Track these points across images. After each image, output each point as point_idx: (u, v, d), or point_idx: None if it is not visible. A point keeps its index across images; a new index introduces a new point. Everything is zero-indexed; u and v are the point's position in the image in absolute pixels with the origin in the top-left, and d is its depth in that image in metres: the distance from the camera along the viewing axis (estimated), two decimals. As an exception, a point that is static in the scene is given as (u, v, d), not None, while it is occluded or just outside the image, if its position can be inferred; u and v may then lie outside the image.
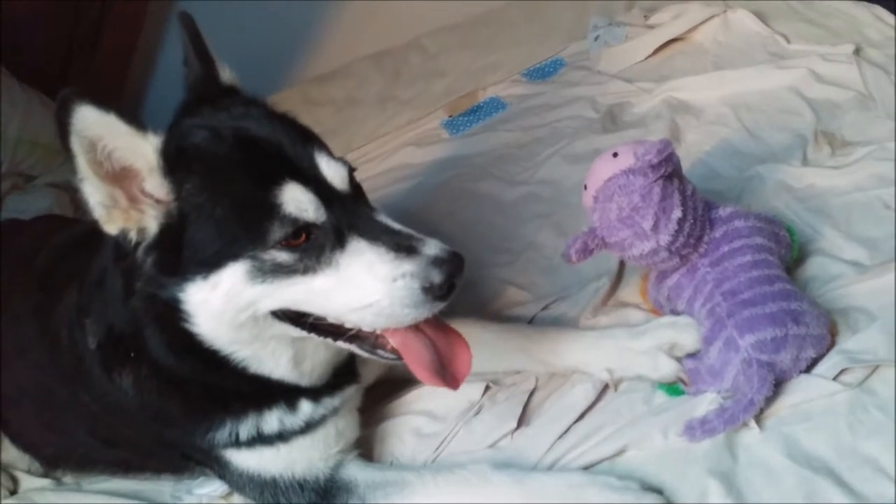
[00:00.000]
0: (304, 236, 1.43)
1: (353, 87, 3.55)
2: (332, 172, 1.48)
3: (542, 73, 3.19)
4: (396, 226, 1.49)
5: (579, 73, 3.07)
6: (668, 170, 1.71)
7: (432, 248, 1.45)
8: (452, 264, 1.44)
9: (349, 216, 1.47)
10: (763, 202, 2.08)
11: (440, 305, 1.47)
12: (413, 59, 3.58)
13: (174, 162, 1.43)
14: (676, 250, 1.74)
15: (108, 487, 1.98)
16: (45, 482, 2.06)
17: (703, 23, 2.93)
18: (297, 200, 1.42)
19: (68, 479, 2.07)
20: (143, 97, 3.79)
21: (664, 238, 1.72)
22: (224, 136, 1.47)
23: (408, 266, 1.43)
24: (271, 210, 1.41)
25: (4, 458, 2.10)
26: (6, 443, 2.08)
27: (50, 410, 1.91)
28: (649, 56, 2.96)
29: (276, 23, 3.52)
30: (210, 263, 1.43)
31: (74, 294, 1.73)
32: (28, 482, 2.07)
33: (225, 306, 1.46)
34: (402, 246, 1.44)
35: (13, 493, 2.04)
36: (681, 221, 1.72)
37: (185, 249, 1.44)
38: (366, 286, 1.44)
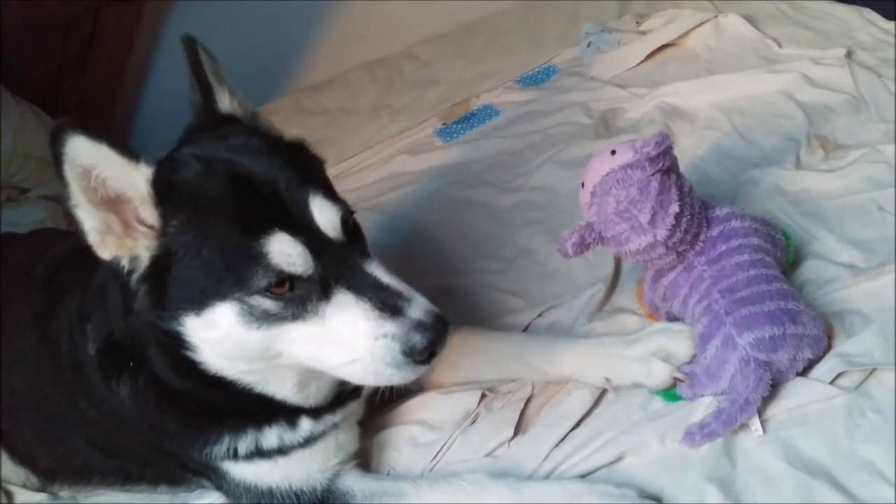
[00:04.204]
0: (288, 286, 1.40)
1: (346, 96, 3.55)
2: (325, 220, 1.44)
3: (535, 79, 3.20)
4: (386, 279, 1.46)
5: (572, 80, 3.08)
6: (665, 163, 1.71)
7: (417, 310, 1.43)
8: (435, 331, 1.42)
9: (339, 266, 1.43)
10: (757, 206, 2.08)
11: (421, 370, 1.47)
12: (406, 68, 3.59)
13: (164, 195, 1.42)
14: (673, 246, 1.74)
15: (105, 501, 1.97)
16: (41, 497, 2.04)
17: (694, 28, 2.94)
18: (284, 253, 1.38)
19: (64, 493, 2.05)
20: (135, 112, 3.78)
21: (661, 232, 1.71)
22: (216, 171, 1.44)
23: (390, 327, 1.41)
24: (257, 258, 1.38)
25: (-1, 473, 2.09)
26: (2, 456, 2.07)
27: (48, 419, 1.90)
28: (642, 62, 2.97)
29: (269, 33, 3.52)
30: (198, 301, 1.42)
31: (77, 300, 1.73)
32: (23, 497, 2.05)
33: (232, 349, 1.47)
34: (388, 304, 1.42)
35: (8, 507, 2.03)
36: (678, 216, 1.71)
37: (172, 285, 1.43)
38: (351, 341, 1.43)
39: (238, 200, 1.41)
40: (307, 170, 1.50)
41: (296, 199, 1.43)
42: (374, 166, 3.05)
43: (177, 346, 1.49)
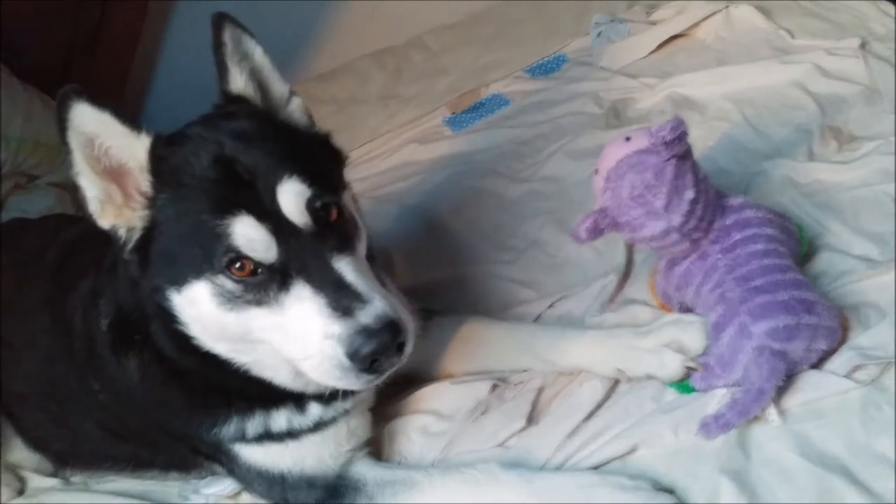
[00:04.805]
0: (248, 269, 1.41)
1: (354, 85, 3.55)
2: (289, 204, 1.43)
3: (545, 69, 3.19)
4: (350, 277, 1.42)
5: (582, 70, 3.07)
6: (681, 148, 1.70)
7: (368, 314, 1.39)
8: (379, 340, 1.38)
9: (303, 257, 1.42)
10: (769, 198, 2.07)
11: (369, 380, 1.43)
12: (415, 57, 3.58)
13: (157, 167, 1.46)
14: (688, 233, 1.73)
15: (116, 488, 1.98)
16: (53, 482, 2.06)
17: (705, 19, 2.92)
18: (245, 236, 1.40)
19: (76, 478, 2.06)
20: (145, 99, 3.78)
21: (676, 218, 1.70)
22: (203, 151, 1.46)
23: (337, 328, 1.38)
24: (221, 238, 1.40)
25: (12, 458, 2.10)
26: (14, 442, 2.09)
27: (60, 403, 1.92)
28: (652, 52, 2.95)
29: (278, 21, 3.50)
30: (176, 278, 1.45)
31: (90, 281, 1.75)
32: (36, 482, 2.07)
33: (213, 329, 1.49)
34: (342, 304, 1.39)
35: (21, 493, 2.04)
36: (693, 203, 1.70)
37: (154, 258, 1.47)
38: (305, 336, 1.41)
39: (215, 181, 1.44)
40: (294, 156, 1.49)
41: (268, 185, 1.43)
42: (384, 156, 3.05)
43: (171, 320, 1.52)
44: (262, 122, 1.56)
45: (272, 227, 1.41)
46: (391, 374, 1.51)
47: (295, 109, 1.66)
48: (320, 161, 1.57)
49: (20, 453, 2.09)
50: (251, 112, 1.58)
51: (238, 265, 1.41)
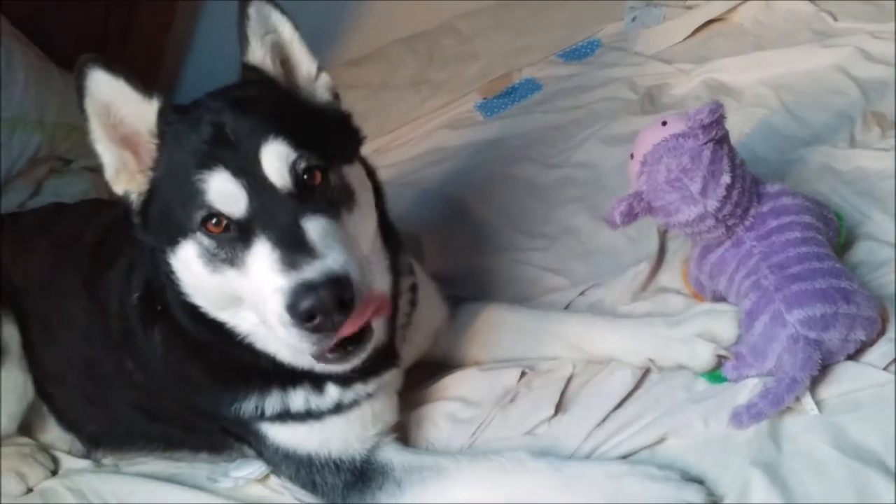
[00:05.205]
0: (223, 226, 1.42)
1: (386, 70, 3.54)
2: (271, 165, 1.42)
3: (578, 54, 3.15)
4: (313, 235, 1.38)
5: (616, 54, 3.03)
6: (718, 133, 1.68)
7: (314, 269, 1.33)
8: (317, 296, 1.31)
9: (270, 214, 1.40)
10: (807, 185, 2.03)
11: (315, 340, 1.36)
12: (446, 42, 3.56)
13: (163, 131, 1.51)
14: (723, 218, 1.70)
15: (146, 470, 2.00)
16: (86, 463, 2.09)
17: (743, 2, 2.86)
18: (218, 190, 1.42)
19: (107, 460, 2.09)
20: (177, 83, 3.81)
21: (712, 203, 1.68)
22: (201, 116, 1.49)
23: (281, 281, 1.35)
24: (199, 193, 1.42)
25: (46, 439, 2.14)
26: (48, 423, 2.13)
27: (95, 383, 1.95)
28: (688, 37, 2.91)
29: (310, 7, 3.49)
30: (170, 238, 1.49)
31: (126, 259, 1.79)
32: (69, 463, 2.10)
33: (205, 292, 1.51)
34: (294, 260, 1.35)
35: (54, 473, 2.07)
36: (729, 188, 1.68)
37: (154, 219, 1.52)
38: (262, 294, 1.38)
39: (204, 142, 1.45)
40: (286, 122, 1.49)
41: (252, 145, 1.43)
42: (414, 141, 3.04)
43: (176, 285, 1.54)
44: (266, 90, 1.58)
45: (247, 183, 1.41)
46: (372, 348, 1.49)
47: (321, 86, 1.65)
48: (320, 131, 1.56)
49: (54, 434, 2.13)
50: (259, 81, 1.60)
51: (214, 221, 1.42)
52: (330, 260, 1.35)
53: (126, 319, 1.78)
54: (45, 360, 2.02)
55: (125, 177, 1.55)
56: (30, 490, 2.01)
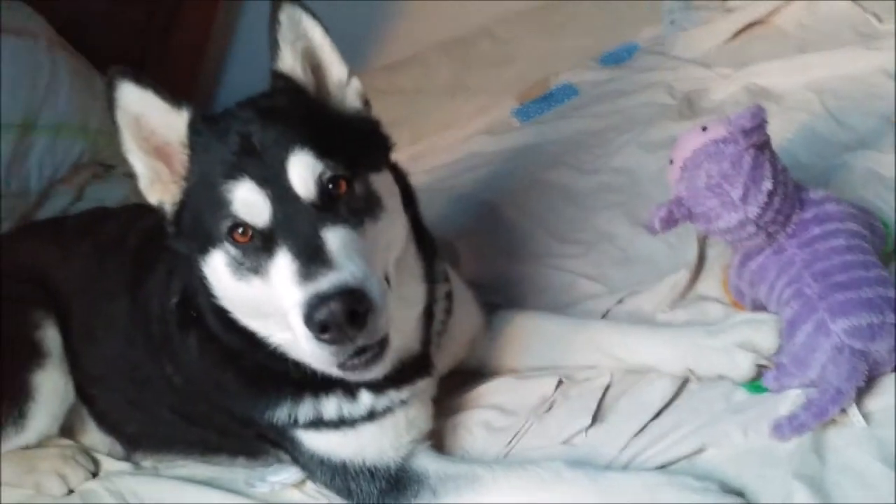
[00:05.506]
0: (248, 236, 1.43)
1: (422, 76, 3.54)
2: (297, 176, 1.43)
3: (616, 58, 3.13)
4: (332, 245, 1.38)
5: (654, 59, 3.00)
6: (760, 138, 1.66)
7: (329, 281, 1.33)
8: (329, 309, 1.31)
9: (294, 225, 1.41)
10: (851, 192, 1.98)
11: (333, 352, 1.36)
12: (483, 46, 3.56)
13: (194, 141, 1.52)
14: (764, 225, 1.68)
15: (184, 474, 2.01)
16: (125, 466, 2.12)
17: (785, 4, 2.82)
18: (242, 200, 1.42)
19: (147, 463, 2.11)
20: (218, 86, 3.85)
21: (753, 210, 1.66)
22: (230, 125, 1.50)
23: (298, 292, 1.35)
24: (226, 203, 1.43)
25: (87, 441, 2.17)
26: (89, 425, 2.16)
27: (136, 386, 1.98)
28: (727, 40, 2.87)
29: (346, 12, 3.52)
30: (199, 246, 1.50)
31: (166, 263, 1.81)
32: (108, 465, 2.13)
33: (233, 300, 1.52)
34: (311, 271, 1.35)
35: (94, 475, 2.10)
36: (771, 194, 1.66)
37: (186, 229, 1.55)
38: (283, 305, 1.39)
39: (232, 152, 1.46)
40: (313, 131, 1.49)
41: (278, 155, 1.44)
42: (451, 147, 3.04)
43: (208, 292, 1.56)
44: (294, 99, 1.58)
45: (271, 192, 1.42)
46: (392, 356, 1.49)
47: (351, 92, 1.65)
48: (348, 141, 1.55)
49: (94, 436, 2.16)
50: (288, 89, 1.60)
51: (240, 231, 1.43)
52: (346, 272, 1.35)
53: (166, 323, 1.81)
54: (87, 363, 2.05)
55: (159, 187, 1.58)
56: (71, 491, 2.04)
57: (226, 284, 1.50)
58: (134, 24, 3.34)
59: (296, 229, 1.41)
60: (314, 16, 1.60)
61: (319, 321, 1.32)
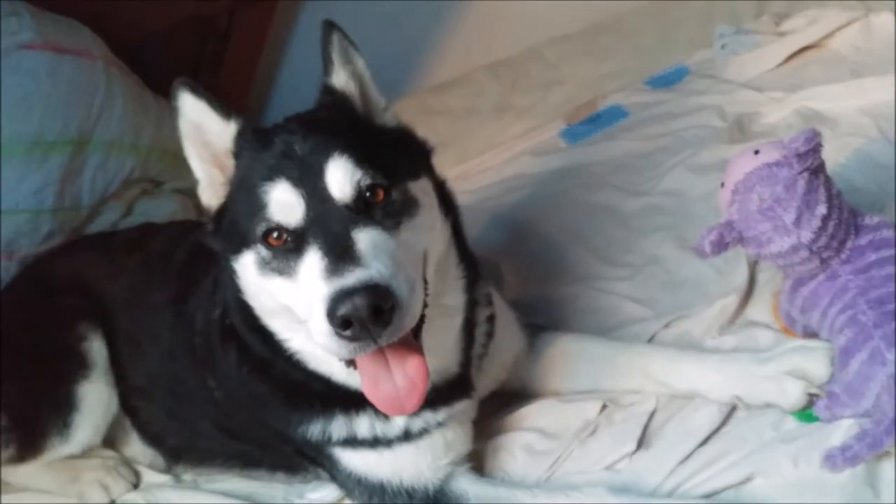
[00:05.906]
0: (283, 238, 1.45)
1: (470, 96, 3.55)
2: (335, 180, 1.44)
3: (666, 80, 3.10)
4: (362, 245, 1.38)
5: (705, 82, 2.97)
6: (814, 162, 1.63)
7: (355, 276, 1.33)
8: (352, 303, 1.30)
9: (325, 224, 1.42)
10: (908, 218, 1.94)
11: (354, 349, 1.35)
12: (531, 68, 3.56)
13: (240, 150, 1.58)
14: (818, 251, 1.64)
15: (224, 488, 2.03)
16: (166, 478, 2.14)
17: (840, 28, 2.78)
18: (278, 200, 1.45)
19: (187, 476, 2.13)
20: (267, 108, 3.92)
21: (806, 235, 1.63)
22: (274, 137, 1.54)
23: (324, 288, 1.35)
24: (263, 206, 1.46)
25: (129, 453, 2.20)
26: (131, 437, 2.19)
27: (178, 399, 2.01)
28: (780, 64, 2.84)
29: (396, 32, 3.56)
30: (235, 248, 1.54)
31: (211, 277, 1.85)
32: (150, 477, 2.15)
33: (259, 300, 1.56)
34: (338, 268, 1.35)
35: (136, 487, 2.12)
36: (825, 219, 1.63)
37: (225, 231, 1.60)
38: (309, 301, 1.39)
39: (273, 157, 1.50)
40: (353, 141, 1.51)
41: (317, 161, 1.46)
42: (497, 167, 3.04)
43: (236, 288, 1.60)
44: (339, 112, 1.63)
45: (305, 193, 1.44)
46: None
47: (390, 116, 1.71)
48: (387, 150, 1.57)
49: (136, 448, 2.18)
50: (334, 104, 1.65)
51: (275, 234, 1.46)
52: (373, 269, 1.35)
53: (208, 336, 1.83)
54: (131, 375, 2.09)
55: (211, 192, 1.64)
56: (112, 502, 2.07)
57: (251, 281, 1.53)
58: (187, 50, 3.42)
59: (327, 228, 1.42)
60: (356, 47, 1.67)
61: (342, 316, 1.31)
